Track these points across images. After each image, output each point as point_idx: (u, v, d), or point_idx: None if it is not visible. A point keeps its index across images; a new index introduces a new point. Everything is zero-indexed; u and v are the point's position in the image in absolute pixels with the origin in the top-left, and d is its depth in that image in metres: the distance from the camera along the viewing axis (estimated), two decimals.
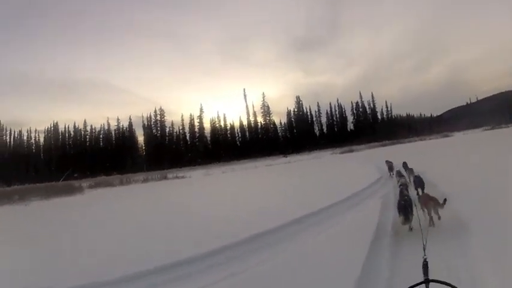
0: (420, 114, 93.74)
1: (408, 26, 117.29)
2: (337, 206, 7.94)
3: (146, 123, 65.05)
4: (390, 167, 13.25)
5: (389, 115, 79.27)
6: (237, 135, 70.51)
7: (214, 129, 68.20)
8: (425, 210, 5.66)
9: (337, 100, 75.96)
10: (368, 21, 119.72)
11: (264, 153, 59.02)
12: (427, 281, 1.80)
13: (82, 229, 8.35)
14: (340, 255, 4.44)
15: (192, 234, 6.32)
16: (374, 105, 76.75)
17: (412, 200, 5.79)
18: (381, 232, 5.45)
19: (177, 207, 11.24)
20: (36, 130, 65.63)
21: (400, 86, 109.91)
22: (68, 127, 65.28)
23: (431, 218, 5.59)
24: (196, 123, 66.91)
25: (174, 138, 67.03)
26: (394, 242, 5.11)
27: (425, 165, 12.58)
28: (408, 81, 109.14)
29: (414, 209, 5.31)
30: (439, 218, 5.64)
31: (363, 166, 17.72)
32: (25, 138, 65.21)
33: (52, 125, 65.09)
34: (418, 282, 1.79)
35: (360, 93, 76.41)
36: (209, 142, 67.86)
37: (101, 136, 65.76)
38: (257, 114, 70.40)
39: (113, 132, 65.01)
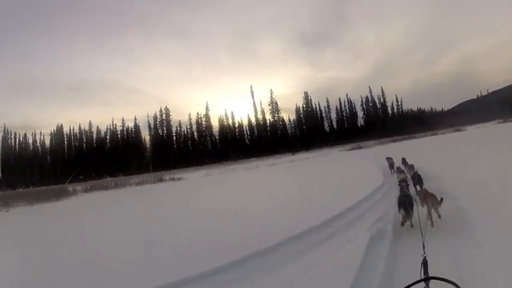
0: (431, 109, 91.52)
1: (417, 18, 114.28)
2: (303, 240, 5.42)
3: (152, 123, 63.80)
4: (391, 164, 13.26)
5: (400, 110, 77.16)
6: (245, 133, 69.00)
7: (222, 128, 66.71)
8: (425, 206, 5.55)
9: (347, 95, 74.18)
10: (376, 13, 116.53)
11: (272, 151, 57.54)
12: (427, 279, 1.78)
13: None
14: None
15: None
16: (384, 100, 74.70)
17: (413, 197, 5.77)
18: None
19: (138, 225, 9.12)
20: (41, 133, 65.18)
21: (410, 80, 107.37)
22: (73, 129, 64.55)
23: (431, 216, 5.41)
24: (203, 122, 65.37)
25: (182, 137, 65.74)
26: None
27: (434, 162, 12.36)
28: (418, 75, 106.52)
29: (414, 205, 5.35)
30: (439, 216, 5.44)
31: (367, 165, 16.56)
32: (30, 141, 64.72)
33: (57, 128, 64.45)
34: (418, 279, 1.74)
35: (370, 88, 74.44)
36: (217, 141, 66.52)
37: (107, 137, 64.89)
38: (266, 111, 68.66)
39: (119, 133, 63.90)
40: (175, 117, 66.81)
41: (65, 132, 64.40)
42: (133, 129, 63.40)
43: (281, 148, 58.50)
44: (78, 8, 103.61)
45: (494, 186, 7.22)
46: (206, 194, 14.57)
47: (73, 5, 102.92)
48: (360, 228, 5.72)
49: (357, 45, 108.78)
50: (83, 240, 7.38)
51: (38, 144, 64.88)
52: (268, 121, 67.75)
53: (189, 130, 65.86)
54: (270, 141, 63.04)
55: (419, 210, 5.27)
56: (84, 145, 64.17)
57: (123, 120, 64.27)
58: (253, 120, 68.63)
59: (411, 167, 10.99)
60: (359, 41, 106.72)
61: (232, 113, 68.52)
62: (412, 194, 6.15)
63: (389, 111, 75.74)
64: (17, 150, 62.65)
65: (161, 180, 29.16)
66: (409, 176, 9.59)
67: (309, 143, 60.75)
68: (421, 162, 13.50)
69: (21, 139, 63.46)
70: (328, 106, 71.96)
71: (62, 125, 64.36)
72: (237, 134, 67.21)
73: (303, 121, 68.83)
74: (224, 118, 67.21)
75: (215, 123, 67.32)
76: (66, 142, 64.30)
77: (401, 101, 77.00)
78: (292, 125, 70.28)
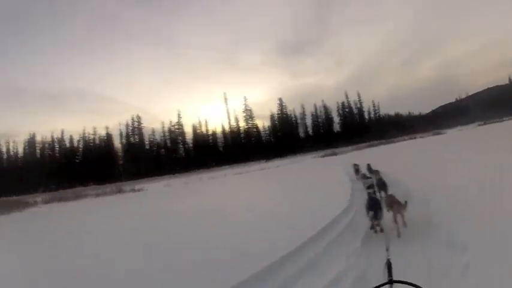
0: (409, 113, 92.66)
1: (398, 24, 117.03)
2: None
3: (124, 131, 62.91)
4: (357, 170, 13.29)
5: (377, 114, 77.81)
6: (219, 140, 68.46)
7: (196, 135, 65.98)
8: (390, 212, 5.52)
9: (322, 101, 74.44)
10: (357, 21, 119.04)
11: (245, 158, 56.99)
12: (391, 282, 1.80)
13: None
14: None
15: None
16: (361, 105, 75.37)
17: (380, 201, 5.91)
18: None
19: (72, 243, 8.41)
20: (14, 141, 63.84)
21: (389, 85, 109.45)
22: (46, 138, 63.31)
23: (397, 223, 5.26)
24: (176, 130, 64.61)
25: (155, 146, 64.68)
26: None
27: (411, 166, 12.18)
28: (397, 80, 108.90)
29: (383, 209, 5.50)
30: (405, 223, 5.33)
31: (337, 175, 15.77)
32: (4, 149, 63.20)
33: (29, 136, 62.92)
34: (381, 283, 1.81)
35: (346, 93, 75.12)
36: (191, 148, 65.60)
37: (80, 146, 63.45)
38: (240, 118, 68.54)
39: (91, 142, 62.58)
40: (153, 125, 66.15)
41: (37, 142, 62.91)
42: (105, 138, 62.00)
43: (255, 155, 57.98)
44: (60, 18, 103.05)
45: (473, 188, 7.21)
46: (148, 212, 13.45)
47: (54, 15, 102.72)
48: None
49: (337, 52, 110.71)
50: None
51: (12, 153, 63.42)
52: (242, 128, 67.60)
53: (162, 138, 65.30)
54: (244, 149, 62.64)
55: (385, 215, 5.43)
56: (57, 154, 62.68)
57: (94, 128, 63.42)
58: (227, 127, 68.53)
59: (376, 172, 11.12)
60: (340, 48, 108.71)
61: (206, 120, 68.62)
62: (379, 199, 6.37)
63: (366, 117, 76.47)
64: None
65: (120, 191, 28.30)
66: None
67: (284, 149, 60.41)
68: (396, 168, 13.25)
69: None
70: (303, 112, 72.52)
71: (34, 134, 63.16)
72: (210, 141, 66.77)
73: (278, 128, 68.83)
74: (198, 126, 66.94)
75: (190, 131, 67.07)
76: (38, 151, 62.68)
77: (378, 106, 77.93)
78: (267, 132, 70.46)
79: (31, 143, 62.80)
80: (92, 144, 62.22)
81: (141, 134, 63.02)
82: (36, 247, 8.33)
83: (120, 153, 63.20)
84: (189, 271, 4.42)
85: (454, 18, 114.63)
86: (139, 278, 4.47)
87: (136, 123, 62.55)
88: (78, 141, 63.23)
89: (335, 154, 43.77)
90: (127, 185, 34.30)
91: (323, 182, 13.85)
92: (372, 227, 5.52)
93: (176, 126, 64.49)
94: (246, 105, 67.50)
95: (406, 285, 1.73)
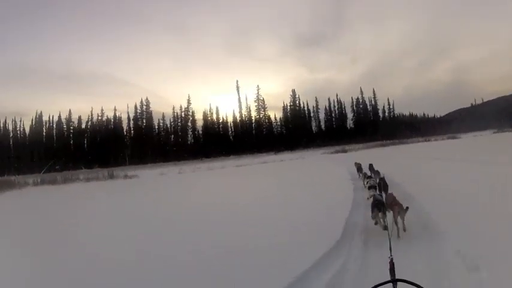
0: (423, 114, 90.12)
1: (415, 24, 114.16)
2: None
3: (132, 115, 61.21)
4: (359, 168, 13.30)
5: (392, 113, 75.34)
6: (230, 130, 66.45)
7: (206, 123, 64.16)
8: (391, 211, 5.50)
9: (337, 95, 72.21)
10: (373, 17, 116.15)
11: (255, 149, 55.48)
12: (394, 281, 1.72)
13: None
14: None
15: None
16: (375, 102, 72.85)
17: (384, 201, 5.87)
18: None
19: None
20: (21, 120, 62.77)
21: (404, 85, 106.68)
22: (53, 118, 62.12)
23: (397, 225, 5.24)
24: (183, 116, 62.94)
25: (164, 131, 63.25)
26: None
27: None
28: (412, 80, 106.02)
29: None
30: (404, 228, 5.31)
31: (340, 173, 14.96)
32: (10, 128, 62.33)
33: (36, 116, 61.94)
34: (384, 281, 1.73)
35: (361, 89, 72.59)
36: (200, 136, 64.20)
37: (88, 128, 62.36)
38: (252, 108, 66.34)
39: (96, 123, 61.42)
40: (165, 110, 64.79)
41: (44, 121, 61.84)
42: (112, 121, 60.75)
43: (265, 147, 56.40)
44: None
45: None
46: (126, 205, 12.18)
47: None
48: None
49: (353, 49, 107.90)
50: None
51: (19, 132, 62.64)
52: (254, 118, 65.66)
53: (172, 124, 63.49)
54: (255, 139, 60.86)
55: (387, 215, 5.36)
56: (65, 135, 61.79)
57: (102, 110, 61.91)
58: (238, 116, 66.53)
59: (377, 172, 11.12)
60: (356, 44, 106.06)
61: (217, 108, 66.08)
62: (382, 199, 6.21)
63: (380, 115, 74.12)
64: None
65: (112, 177, 27.36)
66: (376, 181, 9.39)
67: (295, 143, 58.66)
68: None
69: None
70: (316, 106, 70.16)
71: (41, 113, 61.85)
72: (220, 130, 64.79)
73: (290, 120, 66.65)
74: (209, 113, 64.88)
75: (201, 118, 65.20)
76: (45, 131, 61.73)
77: (393, 105, 75.36)
78: (279, 124, 68.26)
79: (38, 122, 61.86)
80: (98, 127, 60.95)
81: (149, 118, 61.11)
82: None
83: (128, 137, 61.84)
84: None
85: (470, 23, 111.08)
86: None
87: (145, 107, 60.81)
88: (87, 122, 61.96)
89: (345, 151, 42.03)
90: (128, 170, 33.83)
91: (321, 182, 12.75)
92: (376, 223, 5.46)
93: (185, 112, 62.84)
94: (258, 95, 65.39)
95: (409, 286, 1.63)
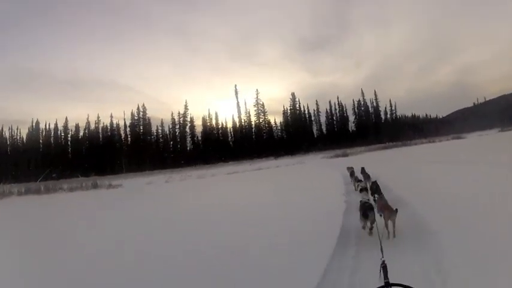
0: (426, 115, 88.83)
1: (417, 26, 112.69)
2: None
3: (129, 121, 60.16)
4: (351, 173, 13.43)
5: (394, 115, 73.98)
6: (229, 135, 65.32)
7: (205, 129, 63.02)
8: (382, 216, 5.63)
9: (337, 98, 71.03)
10: (377, 20, 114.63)
11: (255, 155, 54.30)
12: (387, 285, 1.74)
13: None
14: None
15: None
16: (377, 104, 71.47)
17: (372, 204, 6.08)
18: None
19: None
20: (18, 128, 62.18)
21: (406, 88, 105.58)
22: (49, 125, 61.33)
23: (387, 229, 5.36)
24: (181, 122, 61.86)
25: (161, 137, 62.19)
26: None
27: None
28: (415, 82, 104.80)
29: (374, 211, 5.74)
30: (394, 234, 5.36)
31: (335, 179, 14.86)
32: (7, 135, 61.72)
33: (33, 123, 61.22)
34: (378, 286, 1.75)
35: (362, 91, 71.37)
36: (199, 142, 63.03)
37: (86, 135, 61.40)
38: (252, 113, 65.06)
39: (93, 130, 60.52)
40: (164, 116, 63.84)
41: (41, 129, 61.16)
42: (108, 127, 59.77)
43: (265, 152, 55.18)
44: (76, 5, 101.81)
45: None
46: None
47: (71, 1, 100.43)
48: None
49: (356, 52, 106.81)
50: None
51: (18, 139, 62.19)
52: (253, 123, 64.48)
53: (171, 130, 62.35)
54: (254, 144, 59.67)
55: (377, 218, 5.45)
56: (62, 142, 60.93)
57: (98, 117, 61.00)
58: (237, 121, 65.29)
59: (368, 176, 11.59)
60: (359, 47, 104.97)
61: (216, 113, 64.97)
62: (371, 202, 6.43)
63: (383, 116, 72.92)
64: None
65: (95, 187, 26.50)
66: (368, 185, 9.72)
67: (295, 147, 57.39)
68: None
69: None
70: (317, 109, 69.00)
71: (38, 121, 61.27)
72: (220, 135, 63.67)
73: (290, 123, 65.45)
74: (208, 118, 63.76)
75: (200, 124, 64.09)
76: (41, 139, 60.93)
77: (395, 106, 74.05)
78: (279, 128, 67.06)
79: (35, 130, 61.13)
80: (95, 134, 60.01)
81: (146, 125, 59.98)
82: None
83: (125, 144, 60.76)
84: None
85: (471, 24, 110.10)
86: None
87: (141, 113, 59.71)
88: (84, 129, 61.14)
89: (346, 155, 40.76)
90: (117, 179, 33.24)
91: (313, 190, 12.43)
92: (364, 228, 5.68)
93: (183, 118, 61.69)
94: (257, 99, 64.06)
95: None
